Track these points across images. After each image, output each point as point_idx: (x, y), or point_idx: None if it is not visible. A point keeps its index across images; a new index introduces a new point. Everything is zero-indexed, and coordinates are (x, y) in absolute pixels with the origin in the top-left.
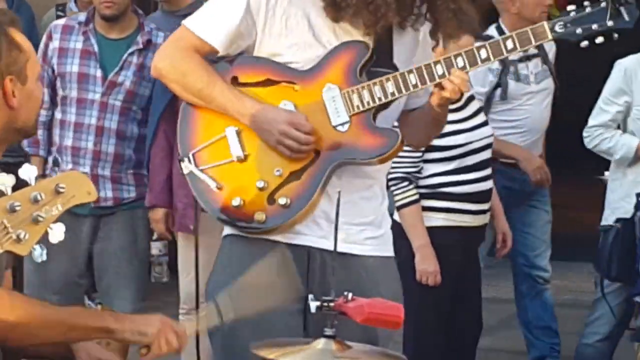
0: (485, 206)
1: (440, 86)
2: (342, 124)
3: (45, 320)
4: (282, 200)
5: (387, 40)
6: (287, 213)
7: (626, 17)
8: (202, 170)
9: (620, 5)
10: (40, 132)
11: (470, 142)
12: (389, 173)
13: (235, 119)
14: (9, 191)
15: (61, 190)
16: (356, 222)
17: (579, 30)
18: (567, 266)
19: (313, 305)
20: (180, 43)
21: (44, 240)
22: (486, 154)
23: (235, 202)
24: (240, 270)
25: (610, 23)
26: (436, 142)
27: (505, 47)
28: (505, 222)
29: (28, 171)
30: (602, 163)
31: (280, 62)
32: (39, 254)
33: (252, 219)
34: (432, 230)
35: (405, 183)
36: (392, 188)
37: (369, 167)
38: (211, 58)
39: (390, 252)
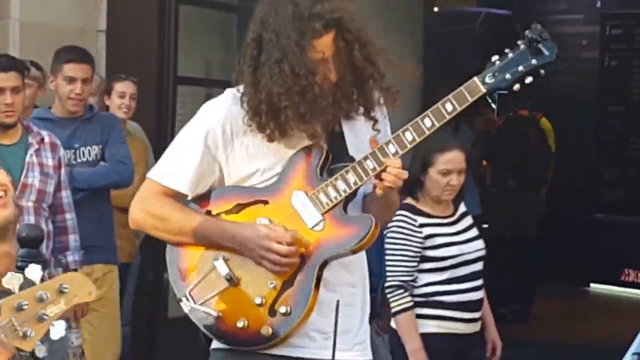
0: (476, 315)
1: (379, 177)
2: (317, 224)
3: None
4: (282, 309)
5: (340, 137)
6: (291, 319)
7: (546, 52)
8: (201, 304)
9: (538, 42)
10: None
11: (463, 254)
12: (386, 281)
13: (218, 246)
14: (17, 290)
15: (65, 290)
16: (344, 330)
17: (507, 76)
18: None
19: None
20: (149, 193)
21: (45, 337)
22: (477, 266)
23: (240, 323)
24: None
25: (534, 61)
26: (430, 253)
27: (446, 110)
28: (495, 331)
29: (34, 272)
30: (587, 274)
31: (247, 185)
32: (41, 350)
33: (259, 335)
34: (425, 337)
35: (401, 291)
36: (389, 295)
37: (351, 276)
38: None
39: (370, 356)
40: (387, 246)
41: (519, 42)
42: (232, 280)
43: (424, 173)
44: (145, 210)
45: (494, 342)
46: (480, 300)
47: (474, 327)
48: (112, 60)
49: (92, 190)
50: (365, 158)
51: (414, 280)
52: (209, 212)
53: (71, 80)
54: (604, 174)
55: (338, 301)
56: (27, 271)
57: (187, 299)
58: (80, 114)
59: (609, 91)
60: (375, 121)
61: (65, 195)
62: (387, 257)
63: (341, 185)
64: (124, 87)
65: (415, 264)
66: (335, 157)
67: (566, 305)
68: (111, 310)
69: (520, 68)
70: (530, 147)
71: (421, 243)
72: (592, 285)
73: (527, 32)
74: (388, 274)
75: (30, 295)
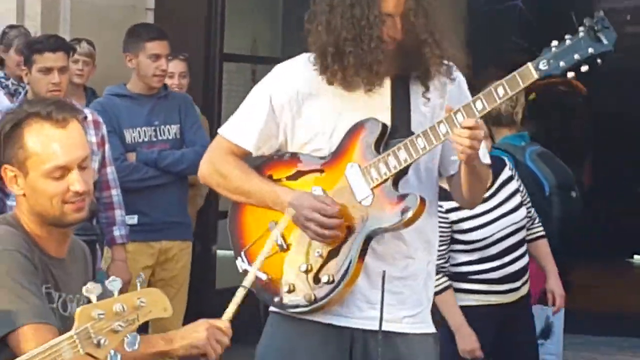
0: (516, 284)
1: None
2: (366, 198)
3: None
4: (324, 278)
5: (406, 111)
6: (333, 287)
7: (605, 41)
8: (252, 266)
9: (598, 31)
10: None
11: (494, 234)
12: None
13: (273, 209)
14: (94, 299)
15: (142, 304)
16: (394, 301)
17: (562, 64)
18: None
19: None
20: (218, 149)
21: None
22: (514, 239)
23: (285, 288)
24: (284, 348)
25: (590, 50)
26: (459, 236)
27: (498, 94)
28: (556, 282)
29: (114, 284)
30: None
31: (308, 150)
32: (113, 359)
33: (302, 300)
34: (465, 309)
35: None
36: None
37: (407, 248)
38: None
39: (429, 328)
40: None
41: (579, 29)
42: (282, 246)
43: None
44: (212, 167)
45: (554, 293)
46: (521, 270)
47: (515, 295)
48: None
49: (174, 172)
50: (417, 136)
51: (446, 262)
52: (270, 176)
53: (157, 57)
54: None
55: (384, 272)
56: (107, 282)
57: (242, 260)
58: (156, 91)
59: None
60: (427, 89)
61: (110, 171)
62: None
63: (392, 161)
64: (172, 67)
65: (445, 246)
66: (398, 131)
67: (610, 277)
68: (183, 288)
69: (576, 56)
70: (571, 121)
71: (449, 227)
72: (636, 256)
73: (586, 19)
74: None
75: (108, 306)
